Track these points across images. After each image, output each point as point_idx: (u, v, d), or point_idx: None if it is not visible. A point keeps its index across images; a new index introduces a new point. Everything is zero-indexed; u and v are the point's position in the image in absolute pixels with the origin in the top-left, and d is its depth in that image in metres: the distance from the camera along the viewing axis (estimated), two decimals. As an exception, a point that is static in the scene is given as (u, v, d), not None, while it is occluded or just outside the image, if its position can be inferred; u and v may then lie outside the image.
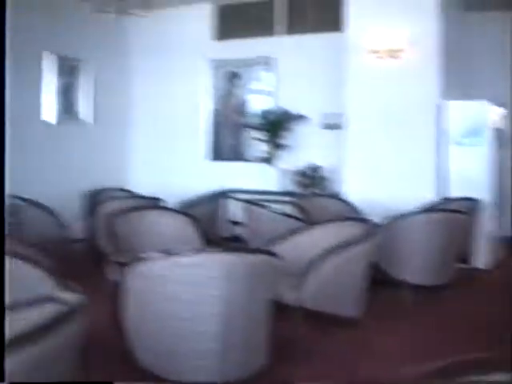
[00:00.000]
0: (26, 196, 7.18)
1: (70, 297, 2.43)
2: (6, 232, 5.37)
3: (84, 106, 9.25)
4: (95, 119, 9.46)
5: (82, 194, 8.72)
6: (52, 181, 8.52)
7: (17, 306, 2.54)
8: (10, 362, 2.00)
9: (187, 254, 3.88)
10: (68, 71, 8.98)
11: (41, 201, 7.05)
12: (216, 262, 3.77)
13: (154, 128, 10.15)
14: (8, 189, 7.43)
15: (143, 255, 3.96)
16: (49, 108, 8.65)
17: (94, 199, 8.51)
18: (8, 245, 4.72)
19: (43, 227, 6.76)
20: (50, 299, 2.44)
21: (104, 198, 8.12)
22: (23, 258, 4.22)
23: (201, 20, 9.79)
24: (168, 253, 3.92)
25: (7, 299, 3.70)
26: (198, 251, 4.09)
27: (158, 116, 10.12)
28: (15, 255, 4.22)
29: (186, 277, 3.77)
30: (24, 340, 2.08)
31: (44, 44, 8.54)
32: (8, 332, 2.06)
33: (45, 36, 8.55)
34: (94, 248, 7.23)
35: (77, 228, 8.17)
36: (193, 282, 3.76)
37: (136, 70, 10.17)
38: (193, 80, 9.85)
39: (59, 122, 8.83)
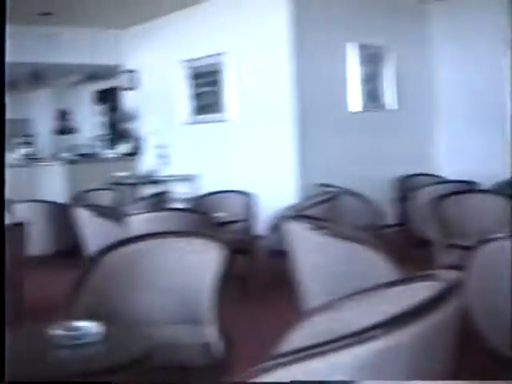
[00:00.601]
0: (338, 184, 7.45)
1: (450, 274, 2.46)
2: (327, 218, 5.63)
3: (387, 93, 9.35)
4: (399, 105, 9.51)
5: (390, 180, 8.85)
6: (361, 168, 8.74)
7: (400, 281, 2.65)
8: (398, 336, 2.06)
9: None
10: (371, 59, 9.14)
11: (351, 187, 7.29)
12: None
13: (458, 113, 9.90)
14: (316, 178, 7.84)
15: (489, 236, 3.91)
16: (354, 96, 8.91)
17: (404, 185, 8.59)
18: (340, 229, 4.94)
19: (358, 214, 6.97)
20: (431, 276, 2.50)
21: (417, 183, 8.16)
22: (362, 242, 4.37)
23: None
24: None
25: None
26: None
27: (461, 100, 9.85)
28: (354, 239, 4.38)
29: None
30: (411, 315, 2.13)
31: (347, 34, 8.83)
32: (396, 308, 2.12)
33: (347, 26, 8.84)
34: (412, 232, 7.28)
35: (389, 214, 8.30)
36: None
37: (438, 56, 9.99)
38: (495, 62, 9.45)
39: (364, 110, 9.03)
